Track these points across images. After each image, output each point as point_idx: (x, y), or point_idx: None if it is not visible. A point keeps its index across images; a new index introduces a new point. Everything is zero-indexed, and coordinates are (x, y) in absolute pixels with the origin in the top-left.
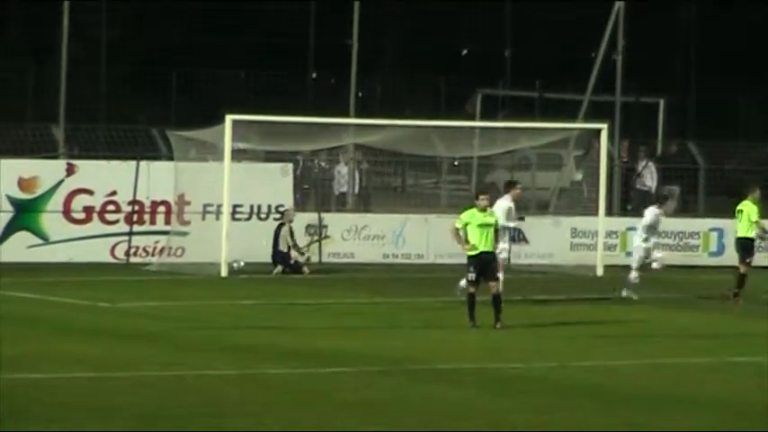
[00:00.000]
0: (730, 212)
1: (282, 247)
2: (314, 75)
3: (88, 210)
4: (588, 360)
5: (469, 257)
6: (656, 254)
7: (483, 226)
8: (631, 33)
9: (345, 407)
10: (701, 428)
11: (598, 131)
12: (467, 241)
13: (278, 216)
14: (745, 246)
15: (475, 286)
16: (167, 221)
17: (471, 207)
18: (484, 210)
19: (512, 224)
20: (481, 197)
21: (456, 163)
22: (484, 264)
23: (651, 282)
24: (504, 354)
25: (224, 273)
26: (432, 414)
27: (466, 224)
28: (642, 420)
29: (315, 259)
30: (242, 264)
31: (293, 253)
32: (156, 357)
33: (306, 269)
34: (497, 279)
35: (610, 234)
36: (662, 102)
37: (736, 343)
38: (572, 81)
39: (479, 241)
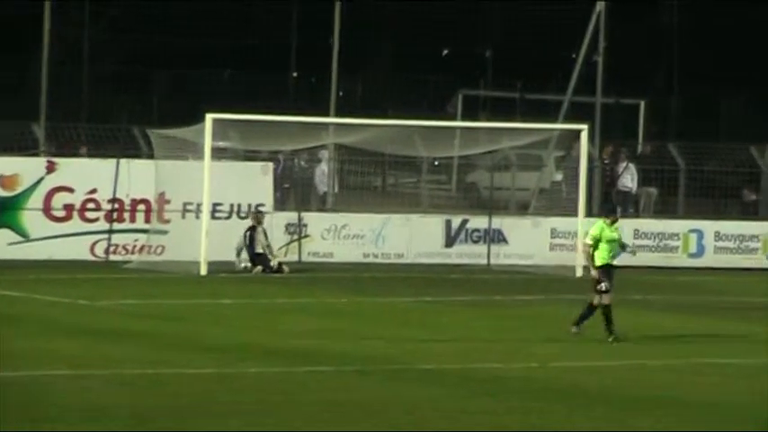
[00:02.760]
0: (710, 214)
1: (258, 249)
2: (295, 74)
3: (68, 207)
4: (569, 360)
5: (598, 268)
6: None
7: (612, 241)
8: (613, 35)
9: (326, 407)
10: (682, 428)
11: (578, 132)
12: (592, 258)
13: (256, 215)
14: None
15: (608, 297)
16: (147, 220)
17: (599, 221)
18: (612, 224)
19: None
20: (616, 214)
21: (436, 163)
22: (610, 275)
23: (631, 283)
24: (485, 354)
25: (203, 271)
26: (414, 414)
27: (597, 239)
28: (623, 421)
29: (295, 259)
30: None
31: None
32: (137, 356)
33: (286, 268)
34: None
35: None
36: (642, 103)
37: (717, 344)
38: (553, 82)
39: (607, 255)
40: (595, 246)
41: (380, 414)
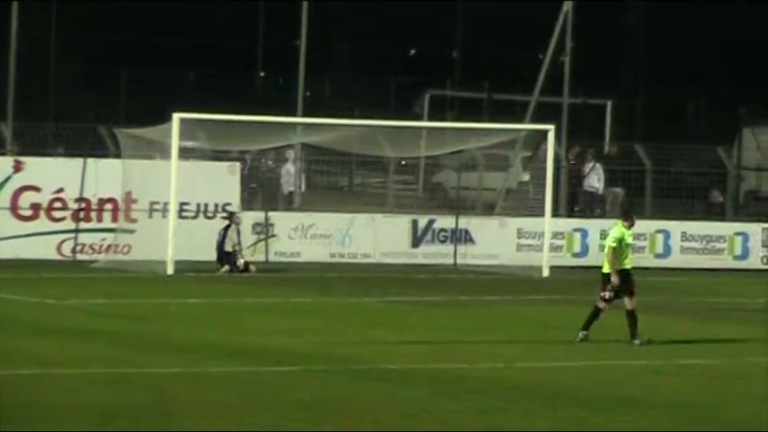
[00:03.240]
0: (677, 214)
1: (228, 248)
2: (262, 74)
3: (35, 207)
4: (535, 361)
5: (607, 274)
6: None
7: (628, 246)
8: (580, 35)
9: (294, 407)
10: (644, 428)
11: (545, 133)
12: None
13: (225, 215)
14: None
15: (608, 303)
16: (114, 219)
17: (617, 223)
18: (630, 227)
19: None
20: (634, 217)
21: (403, 163)
22: (624, 279)
23: (597, 284)
24: (451, 354)
25: (170, 271)
26: (381, 414)
27: (620, 240)
28: (589, 421)
29: (261, 258)
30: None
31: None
32: (105, 355)
33: (252, 268)
34: (634, 295)
35: (556, 235)
36: (609, 103)
37: (682, 345)
38: (520, 82)
39: (626, 258)
40: (620, 248)
41: (345, 414)
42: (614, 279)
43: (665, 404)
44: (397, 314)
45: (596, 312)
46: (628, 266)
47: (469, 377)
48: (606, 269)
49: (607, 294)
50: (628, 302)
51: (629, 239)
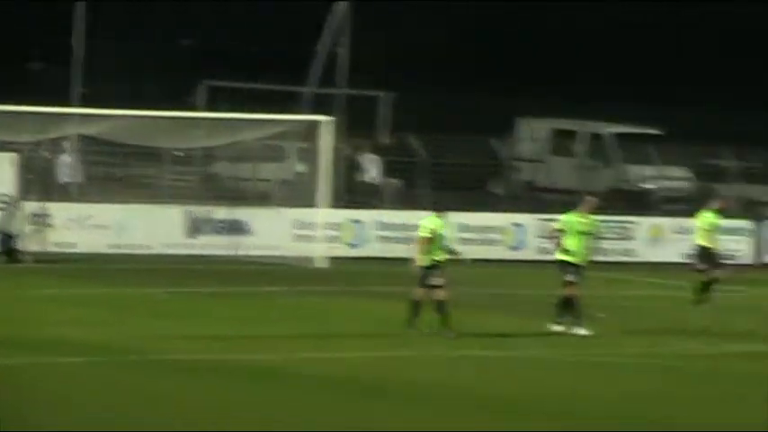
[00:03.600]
0: (453, 205)
1: (8, 228)
2: (36, 66)
3: None
4: (313, 351)
5: (428, 267)
6: None
7: (442, 236)
8: (357, 28)
9: (68, 399)
10: (419, 419)
11: (321, 124)
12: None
13: (2, 205)
14: None
15: (443, 292)
16: None
17: (431, 215)
18: (441, 218)
19: None
20: (442, 213)
21: (180, 154)
22: (442, 271)
23: (373, 275)
24: (232, 345)
25: None
26: (162, 403)
27: (433, 232)
28: (370, 409)
29: (38, 248)
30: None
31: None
32: None
33: (28, 258)
34: (443, 287)
35: (332, 226)
36: (386, 95)
37: (472, 337)
38: (298, 74)
39: (439, 251)
40: (434, 239)
41: (129, 403)
42: (414, 268)
43: (444, 394)
44: (177, 305)
45: (441, 306)
46: (442, 259)
47: (249, 367)
48: (424, 263)
49: (436, 280)
50: (440, 293)
51: (442, 231)
